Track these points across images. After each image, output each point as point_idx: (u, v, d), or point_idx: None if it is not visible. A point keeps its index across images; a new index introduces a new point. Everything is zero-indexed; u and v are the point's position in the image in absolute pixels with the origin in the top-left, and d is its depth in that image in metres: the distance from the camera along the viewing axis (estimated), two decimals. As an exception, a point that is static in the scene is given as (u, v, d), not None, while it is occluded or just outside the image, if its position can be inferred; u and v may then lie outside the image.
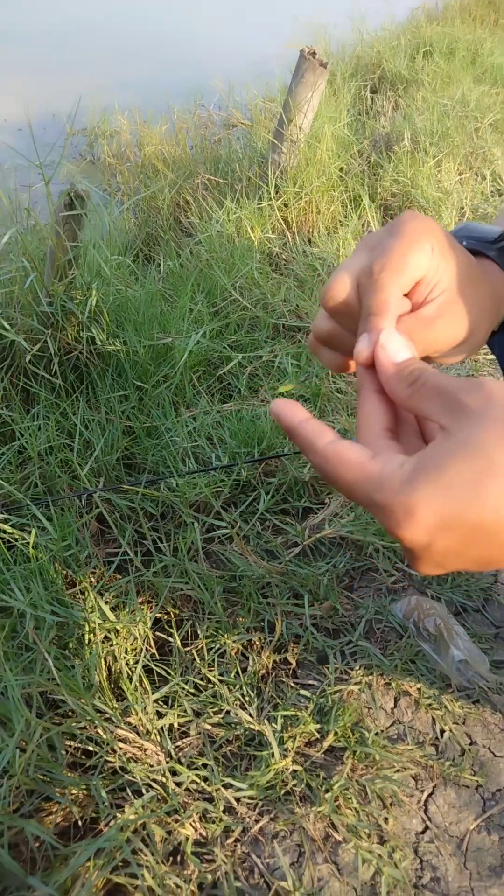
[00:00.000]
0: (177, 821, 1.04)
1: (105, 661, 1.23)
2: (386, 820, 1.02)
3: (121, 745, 1.10)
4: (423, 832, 1.04)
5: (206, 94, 4.56)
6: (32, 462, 1.62)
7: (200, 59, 6.01)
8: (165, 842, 1.02)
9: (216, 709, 1.18)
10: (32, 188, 2.13)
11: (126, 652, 1.24)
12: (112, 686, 1.21)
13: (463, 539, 0.33)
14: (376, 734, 1.12)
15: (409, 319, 0.44)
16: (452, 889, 0.99)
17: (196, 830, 1.04)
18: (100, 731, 1.11)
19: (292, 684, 1.22)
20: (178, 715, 1.17)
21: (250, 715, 1.16)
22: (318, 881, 0.97)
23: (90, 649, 1.23)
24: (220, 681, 1.21)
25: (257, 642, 1.29)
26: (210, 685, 1.21)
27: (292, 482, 1.56)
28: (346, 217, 2.52)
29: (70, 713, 1.16)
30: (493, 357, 2.18)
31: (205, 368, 1.99)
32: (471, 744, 1.15)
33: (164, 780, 1.08)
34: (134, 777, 1.07)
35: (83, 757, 1.14)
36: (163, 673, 1.24)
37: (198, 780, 1.08)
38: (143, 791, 1.06)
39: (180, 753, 1.14)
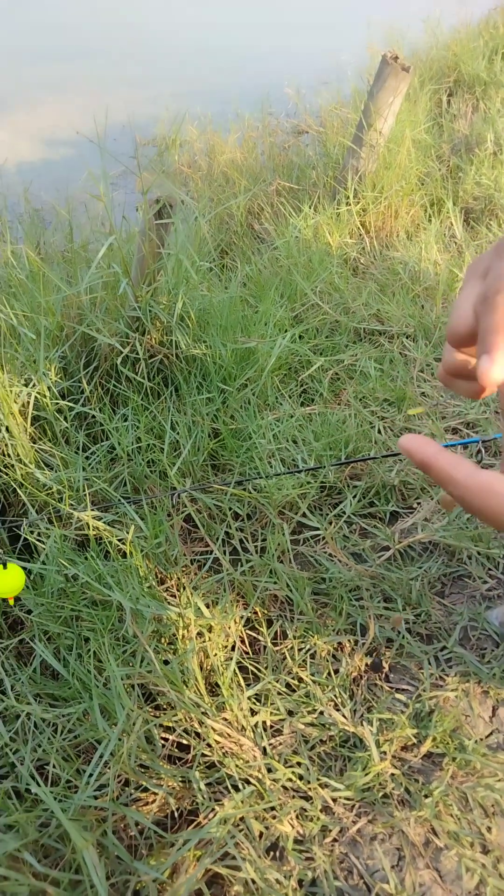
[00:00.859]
0: (274, 817, 1.05)
1: (198, 657, 1.25)
2: (489, 829, 1.01)
3: (217, 739, 1.12)
4: (525, 845, 1.02)
5: (274, 102, 4.61)
6: (121, 461, 1.67)
7: (268, 67, 6.07)
8: (263, 837, 1.04)
9: (309, 708, 1.18)
10: (107, 197, 2.20)
11: (219, 649, 1.27)
12: (205, 682, 1.23)
13: None
14: (476, 742, 1.10)
15: None
16: None
17: (293, 828, 1.04)
18: (196, 724, 1.13)
19: (386, 688, 1.21)
20: (272, 713, 1.18)
21: (344, 716, 1.16)
22: (420, 886, 0.96)
23: (184, 645, 1.26)
24: (313, 681, 1.22)
25: (347, 644, 1.29)
26: (302, 685, 1.22)
27: (380, 486, 1.55)
28: (429, 221, 2.50)
29: (165, 706, 1.19)
30: None
31: (286, 372, 2.00)
32: None
33: (260, 776, 1.09)
34: (231, 772, 1.09)
35: (177, 750, 1.16)
36: (254, 671, 1.25)
37: (294, 778, 1.09)
38: (241, 786, 1.07)
39: (274, 751, 1.15)
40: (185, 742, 1.15)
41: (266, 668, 1.25)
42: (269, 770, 1.11)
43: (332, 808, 1.06)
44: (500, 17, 5.13)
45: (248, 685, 1.23)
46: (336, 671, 1.25)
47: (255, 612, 1.36)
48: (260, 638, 1.31)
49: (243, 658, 1.27)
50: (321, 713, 1.18)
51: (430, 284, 2.24)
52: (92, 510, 1.46)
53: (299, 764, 1.12)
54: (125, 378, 1.84)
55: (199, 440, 1.70)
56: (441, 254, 2.39)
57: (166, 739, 1.16)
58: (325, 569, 1.41)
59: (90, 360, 1.91)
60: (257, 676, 1.24)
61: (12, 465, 1.57)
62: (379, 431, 1.74)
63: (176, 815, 1.10)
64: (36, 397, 1.66)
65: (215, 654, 1.25)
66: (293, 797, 1.08)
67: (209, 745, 1.12)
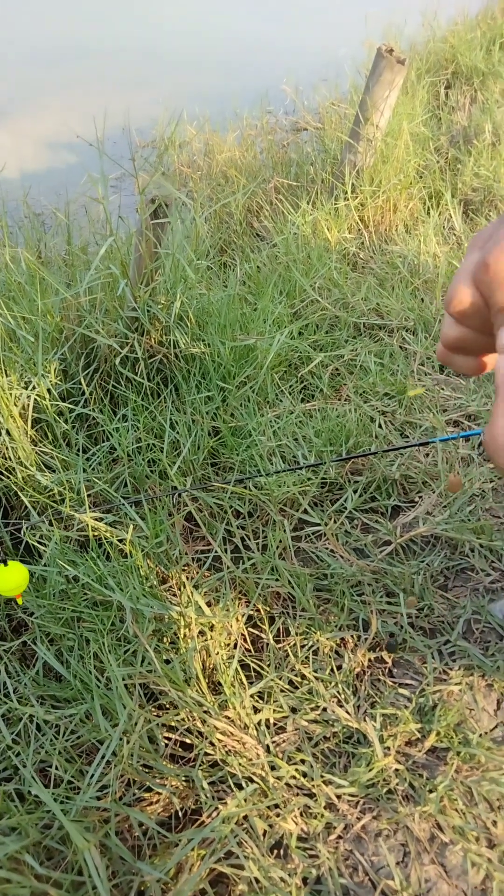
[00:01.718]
0: (278, 815, 1.04)
1: (200, 656, 1.25)
2: (494, 823, 1.00)
3: (220, 737, 1.11)
4: (532, 839, 1.01)
5: (272, 100, 4.60)
6: (122, 462, 1.67)
7: (265, 65, 6.06)
8: (267, 835, 1.03)
9: (312, 705, 1.18)
10: (105, 200, 2.20)
11: (221, 647, 1.26)
12: (207, 680, 1.22)
13: None
14: (480, 736, 1.09)
15: None
16: None
17: (297, 825, 1.04)
18: (199, 723, 1.13)
19: (390, 683, 1.20)
20: (274, 710, 1.18)
21: (347, 712, 1.15)
22: (426, 882, 0.95)
23: (186, 644, 1.25)
24: (316, 677, 1.21)
25: (350, 640, 1.29)
26: (305, 682, 1.21)
27: (381, 480, 1.54)
28: (428, 213, 2.49)
29: (167, 706, 1.19)
30: None
31: (286, 369, 1.99)
32: None
33: (263, 773, 1.08)
34: (234, 770, 1.08)
35: (180, 749, 1.16)
36: (256, 668, 1.25)
37: (297, 776, 1.08)
38: (244, 784, 1.07)
39: (278, 749, 1.14)
40: (187, 741, 1.14)
41: (268, 665, 1.25)
42: (273, 768, 1.10)
43: (336, 805, 1.06)
44: (499, 7, 5.10)
45: (250, 683, 1.22)
46: (339, 667, 1.24)
47: (257, 610, 1.36)
48: (262, 635, 1.30)
49: (245, 656, 1.26)
50: (324, 710, 1.17)
51: (430, 277, 2.23)
52: (93, 511, 1.46)
53: (303, 761, 1.11)
54: (125, 378, 1.84)
55: (199, 439, 1.69)
56: (440, 246, 2.37)
57: (169, 739, 1.16)
58: (326, 565, 1.40)
59: (90, 362, 1.91)
60: (260, 674, 1.24)
61: (13, 469, 1.57)
62: (380, 426, 1.73)
63: (179, 814, 1.10)
64: (36, 399, 1.66)
65: (217, 653, 1.25)
66: (297, 794, 1.07)
67: (212, 744, 1.12)
